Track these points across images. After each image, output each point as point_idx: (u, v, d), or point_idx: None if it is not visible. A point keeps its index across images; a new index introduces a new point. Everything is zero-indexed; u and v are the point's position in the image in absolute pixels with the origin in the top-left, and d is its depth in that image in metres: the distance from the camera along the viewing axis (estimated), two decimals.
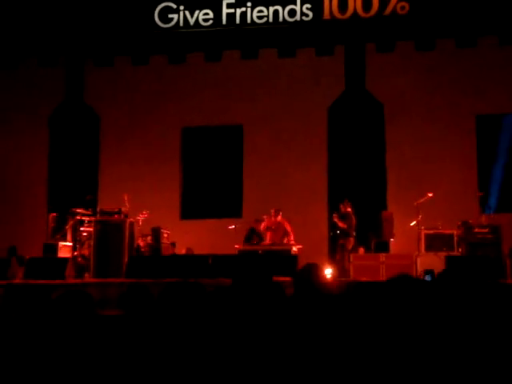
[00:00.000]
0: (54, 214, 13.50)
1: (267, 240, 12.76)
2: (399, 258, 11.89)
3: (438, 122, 14.40)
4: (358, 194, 14.02)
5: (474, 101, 14.38)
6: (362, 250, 12.64)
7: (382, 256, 11.93)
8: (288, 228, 12.66)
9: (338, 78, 14.80)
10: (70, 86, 15.94)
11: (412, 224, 12.46)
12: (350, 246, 12.44)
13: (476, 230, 12.14)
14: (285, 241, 12.58)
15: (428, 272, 10.86)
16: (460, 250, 12.05)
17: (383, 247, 12.37)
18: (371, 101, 14.67)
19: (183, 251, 13.62)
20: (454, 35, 14.24)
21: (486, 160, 14.46)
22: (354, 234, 12.59)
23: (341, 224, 12.55)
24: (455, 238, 12.10)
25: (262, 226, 12.81)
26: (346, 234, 12.53)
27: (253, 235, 12.98)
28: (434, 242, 12.08)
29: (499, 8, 13.12)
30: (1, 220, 15.13)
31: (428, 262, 11.18)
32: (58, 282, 10.69)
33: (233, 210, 15.04)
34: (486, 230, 12.10)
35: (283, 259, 11.21)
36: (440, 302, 3.00)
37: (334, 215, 12.89)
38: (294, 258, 11.50)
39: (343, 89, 14.83)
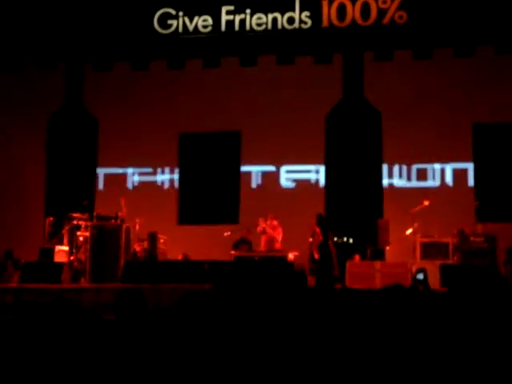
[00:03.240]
0: (51, 218, 13.49)
1: (262, 243, 12.85)
2: (394, 266, 11.88)
3: (435, 130, 14.43)
4: (355, 201, 14.03)
5: (472, 109, 14.43)
6: (357, 258, 12.63)
7: (378, 264, 11.90)
8: (280, 234, 12.76)
9: (335, 85, 14.84)
10: (70, 91, 15.98)
11: (408, 232, 12.48)
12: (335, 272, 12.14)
13: (472, 238, 12.14)
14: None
15: (420, 270, 10.93)
16: (455, 258, 12.07)
17: (379, 255, 12.37)
18: (369, 109, 14.70)
19: (179, 257, 13.63)
20: (451, 44, 14.30)
21: (483, 169, 14.51)
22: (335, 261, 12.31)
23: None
24: (451, 247, 12.13)
25: (259, 228, 12.91)
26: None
27: (241, 242, 13.08)
28: (430, 251, 12.10)
29: (496, 17, 13.18)
30: None
31: None
32: (53, 286, 10.71)
33: (229, 216, 15.05)
34: (482, 239, 12.11)
35: (279, 266, 11.24)
36: (434, 312, 3.01)
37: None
38: (290, 264, 11.53)
39: (341, 97, 14.87)
